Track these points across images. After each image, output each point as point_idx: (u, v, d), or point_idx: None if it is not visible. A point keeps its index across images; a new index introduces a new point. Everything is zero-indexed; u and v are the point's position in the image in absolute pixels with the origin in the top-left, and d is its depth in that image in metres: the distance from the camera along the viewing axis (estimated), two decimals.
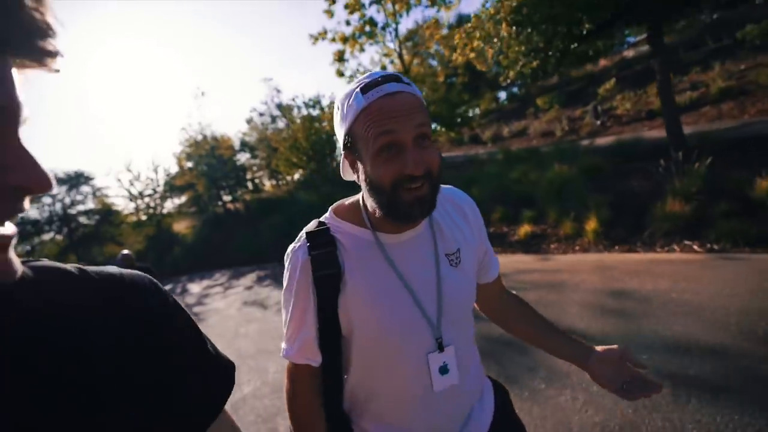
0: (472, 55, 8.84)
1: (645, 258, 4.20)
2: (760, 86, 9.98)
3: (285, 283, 0.77)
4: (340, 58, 13.90)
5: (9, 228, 0.31)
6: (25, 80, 0.30)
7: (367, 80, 0.69)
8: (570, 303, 3.43)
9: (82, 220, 20.96)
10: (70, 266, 0.42)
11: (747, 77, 10.92)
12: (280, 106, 18.90)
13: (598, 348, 0.87)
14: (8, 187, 0.30)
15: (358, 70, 14.21)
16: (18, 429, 0.33)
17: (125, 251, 4.38)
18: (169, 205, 22.79)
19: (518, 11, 6.22)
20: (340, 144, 0.75)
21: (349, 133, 0.70)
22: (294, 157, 14.17)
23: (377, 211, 0.71)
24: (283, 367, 3.62)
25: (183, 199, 22.84)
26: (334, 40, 13.67)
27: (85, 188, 20.82)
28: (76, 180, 20.41)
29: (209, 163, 20.06)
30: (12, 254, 0.32)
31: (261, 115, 21.43)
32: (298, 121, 14.69)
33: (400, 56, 14.22)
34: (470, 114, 22.02)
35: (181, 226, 22.57)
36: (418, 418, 0.77)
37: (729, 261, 3.59)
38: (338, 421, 0.80)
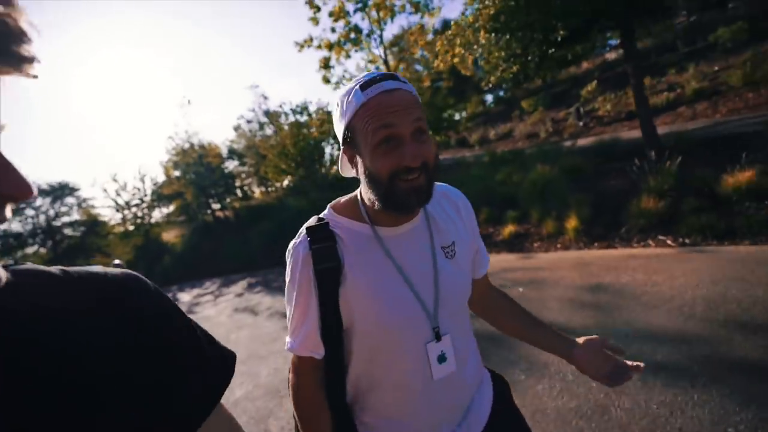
0: (456, 60, 9.06)
1: (622, 253, 4.38)
2: (731, 87, 10.42)
3: (287, 279, 0.79)
4: (326, 65, 14.04)
5: None
6: (1, 86, 0.30)
7: (365, 78, 0.71)
8: (550, 299, 3.58)
9: (67, 231, 20.67)
10: (53, 268, 0.42)
11: (719, 78, 11.37)
12: (267, 113, 18.88)
13: (580, 339, 0.92)
14: None
15: (344, 76, 14.33)
16: (14, 430, 0.33)
17: (117, 261, 4.41)
18: (157, 214, 22.62)
19: (496, 19, 6.43)
20: (339, 138, 0.77)
21: (348, 128, 0.73)
22: (282, 164, 14.18)
23: (375, 203, 0.73)
24: (275, 370, 3.72)
25: (171, 208, 22.64)
26: (320, 47, 13.81)
27: (69, 199, 20.59)
28: (60, 191, 20.12)
29: (197, 172, 19.93)
30: None
31: (249, 122, 21.36)
32: (286, 127, 14.70)
33: (386, 62, 14.43)
34: (456, 117, 22.29)
35: (170, 236, 22.32)
36: (420, 409, 0.79)
37: (699, 254, 3.78)
38: (341, 413, 0.82)
